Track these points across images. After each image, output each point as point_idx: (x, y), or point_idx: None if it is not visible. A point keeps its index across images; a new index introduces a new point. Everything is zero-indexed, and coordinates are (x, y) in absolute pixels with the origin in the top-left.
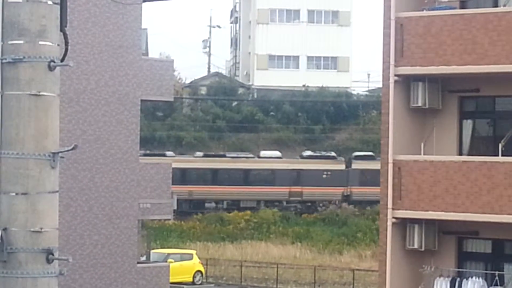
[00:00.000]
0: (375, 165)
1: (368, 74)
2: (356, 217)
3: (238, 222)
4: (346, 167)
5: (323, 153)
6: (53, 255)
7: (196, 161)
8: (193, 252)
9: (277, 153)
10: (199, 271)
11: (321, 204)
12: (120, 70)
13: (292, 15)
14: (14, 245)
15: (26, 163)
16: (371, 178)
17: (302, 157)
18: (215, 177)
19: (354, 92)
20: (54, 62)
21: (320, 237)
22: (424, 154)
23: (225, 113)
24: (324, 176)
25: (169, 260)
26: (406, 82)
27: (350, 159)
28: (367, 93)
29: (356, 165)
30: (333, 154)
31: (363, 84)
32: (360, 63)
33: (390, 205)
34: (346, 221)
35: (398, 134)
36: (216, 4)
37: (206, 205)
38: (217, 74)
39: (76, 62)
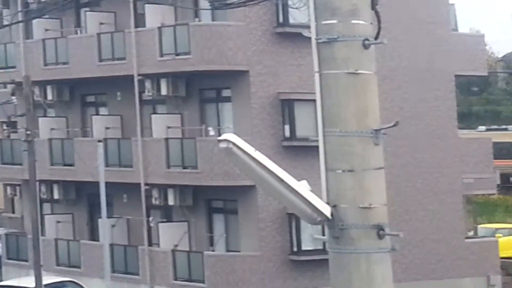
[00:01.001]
0: None
1: None
2: None
3: None
4: None
5: None
6: (383, 231)
7: None
8: None
9: None
10: None
11: None
12: (432, 47)
13: None
14: (344, 222)
15: (349, 140)
16: None
17: None
18: None
19: None
20: (368, 40)
21: None
22: None
23: None
24: None
25: (497, 234)
26: None
27: None
28: None
29: None
30: None
31: None
32: None
33: None
34: None
35: None
36: None
37: None
38: None
39: (387, 40)
